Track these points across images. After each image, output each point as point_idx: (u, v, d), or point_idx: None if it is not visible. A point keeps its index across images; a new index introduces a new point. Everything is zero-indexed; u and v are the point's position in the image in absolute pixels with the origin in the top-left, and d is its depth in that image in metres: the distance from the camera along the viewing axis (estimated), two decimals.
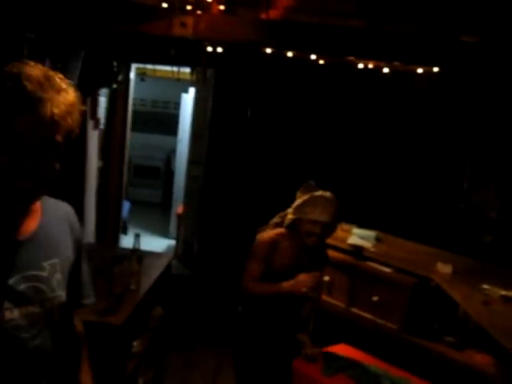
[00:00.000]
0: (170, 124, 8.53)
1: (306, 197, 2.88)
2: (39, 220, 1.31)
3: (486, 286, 2.91)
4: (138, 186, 8.52)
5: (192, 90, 6.45)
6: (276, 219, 3.06)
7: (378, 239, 3.69)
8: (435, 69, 3.61)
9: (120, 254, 3.04)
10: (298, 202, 2.91)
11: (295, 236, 2.89)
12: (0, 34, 3.28)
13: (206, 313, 4.81)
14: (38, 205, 1.32)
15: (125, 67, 5.20)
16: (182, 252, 5.95)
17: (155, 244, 6.49)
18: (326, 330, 3.61)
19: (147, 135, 8.85)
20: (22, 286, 1.24)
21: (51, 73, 1.19)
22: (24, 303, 1.24)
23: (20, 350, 1.24)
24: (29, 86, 1.12)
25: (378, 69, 3.86)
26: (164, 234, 7.21)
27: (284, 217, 2.99)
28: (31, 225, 1.29)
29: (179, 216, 6.43)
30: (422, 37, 3.32)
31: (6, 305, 1.20)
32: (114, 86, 4.88)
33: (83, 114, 1.25)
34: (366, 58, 3.73)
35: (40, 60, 1.30)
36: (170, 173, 8.27)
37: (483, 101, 4.13)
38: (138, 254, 2.89)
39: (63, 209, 1.45)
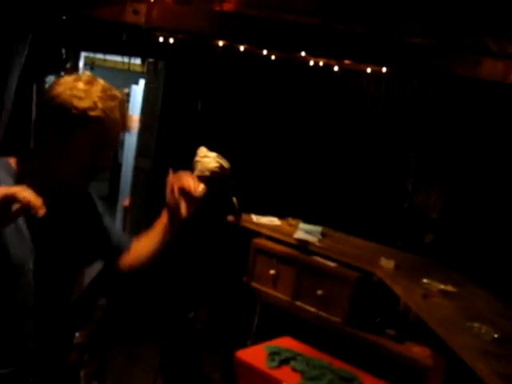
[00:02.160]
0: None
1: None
2: None
3: (425, 281, 3.00)
4: None
5: (142, 82, 6.36)
6: None
7: (323, 234, 3.74)
8: (384, 69, 3.69)
9: None
10: None
11: None
12: None
13: (150, 307, 4.76)
14: None
15: (74, 55, 5.08)
16: None
17: None
18: (270, 323, 3.65)
19: None
20: None
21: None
22: None
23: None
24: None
25: (328, 67, 3.92)
26: None
27: None
28: None
29: (126, 209, 6.33)
30: (372, 37, 3.39)
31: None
32: (62, 73, 4.76)
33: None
34: (317, 56, 3.77)
35: None
36: (116, 165, 8.12)
37: (428, 103, 4.26)
38: None
39: None
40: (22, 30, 3.77)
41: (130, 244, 1.75)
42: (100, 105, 1.40)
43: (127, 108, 1.51)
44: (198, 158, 3.13)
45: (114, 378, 3.93)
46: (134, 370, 4.06)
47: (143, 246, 1.73)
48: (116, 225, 1.84)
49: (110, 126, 1.43)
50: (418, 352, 3.00)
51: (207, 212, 3.17)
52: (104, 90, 1.42)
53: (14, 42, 3.71)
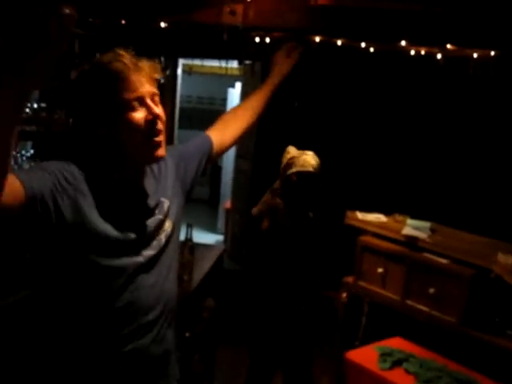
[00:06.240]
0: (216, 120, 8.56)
1: (286, 159, 3.09)
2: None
3: None
4: None
5: (238, 85, 6.44)
6: (266, 195, 3.13)
7: (432, 230, 3.57)
8: (492, 52, 3.46)
9: None
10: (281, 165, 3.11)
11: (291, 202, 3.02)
12: None
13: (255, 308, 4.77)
14: None
15: (172, 62, 5.22)
16: (230, 247, 5.95)
17: (204, 238, 6.50)
18: (380, 323, 3.54)
19: (193, 131, 8.89)
20: (147, 231, 1.46)
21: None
22: (147, 247, 1.46)
23: (146, 289, 1.42)
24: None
25: (430, 55, 3.74)
26: (212, 229, 7.23)
27: (273, 190, 3.08)
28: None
29: (227, 211, 6.43)
30: (478, 18, 3.20)
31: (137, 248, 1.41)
32: (162, 80, 4.89)
33: None
34: (418, 44, 3.61)
35: (89, 54, 1.47)
36: (217, 168, 8.30)
37: None
38: (190, 245, 2.88)
39: None
40: (123, 41, 3.91)
41: (210, 139, 1.82)
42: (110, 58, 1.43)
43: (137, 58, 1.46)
44: (295, 155, 3.11)
45: (223, 377, 3.98)
46: (241, 369, 4.08)
47: (245, 110, 1.92)
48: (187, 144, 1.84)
49: (130, 72, 1.41)
50: None
51: (304, 208, 3.16)
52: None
53: None
